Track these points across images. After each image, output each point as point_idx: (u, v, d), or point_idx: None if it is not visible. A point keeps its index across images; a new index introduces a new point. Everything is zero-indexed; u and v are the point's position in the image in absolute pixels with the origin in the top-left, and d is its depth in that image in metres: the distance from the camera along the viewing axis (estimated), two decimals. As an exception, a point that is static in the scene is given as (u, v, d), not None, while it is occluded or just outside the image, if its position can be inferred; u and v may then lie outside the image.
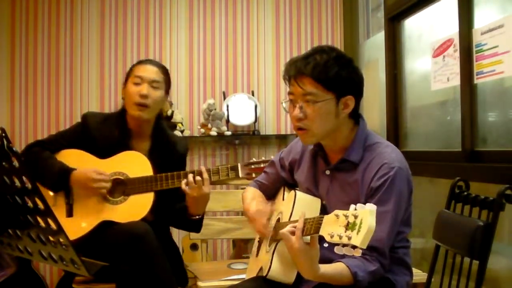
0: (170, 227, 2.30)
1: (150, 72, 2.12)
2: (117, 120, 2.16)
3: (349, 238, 1.22)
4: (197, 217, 2.12)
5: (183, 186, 2.01)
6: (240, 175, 2.10)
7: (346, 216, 1.25)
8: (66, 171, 2.04)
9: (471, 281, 1.64)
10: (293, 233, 1.38)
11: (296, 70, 1.54)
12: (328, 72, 1.51)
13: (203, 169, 2.03)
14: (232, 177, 2.11)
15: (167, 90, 2.19)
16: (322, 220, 1.33)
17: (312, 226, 1.36)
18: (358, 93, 1.58)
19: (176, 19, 3.97)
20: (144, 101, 2.07)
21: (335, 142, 1.61)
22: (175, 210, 2.15)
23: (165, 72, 2.18)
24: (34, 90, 3.80)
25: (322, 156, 1.67)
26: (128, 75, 2.15)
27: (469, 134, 2.41)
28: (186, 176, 2.02)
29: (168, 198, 2.12)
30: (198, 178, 2.00)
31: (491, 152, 2.30)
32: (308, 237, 1.38)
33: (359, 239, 1.20)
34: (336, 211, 1.29)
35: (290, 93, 1.59)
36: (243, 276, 1.97)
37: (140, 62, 2.18)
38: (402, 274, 1.62)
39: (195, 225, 2.19)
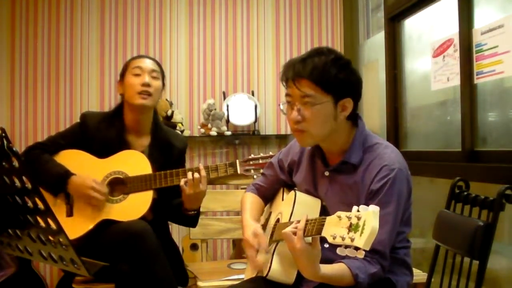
0: (170, 227, 2.30)
1: (148, 63, 2.17)
2: (114, 117, 2.18)
3: (352, 240, 1.21)
4: (192, 212, 2.13)
5: (182, 183, 2.02)
6: (239, 171, 2.13)
7: (349, 218, 1.24)
8: (64, 175, 2.04)
9: (471, 281, 1.64)
10: (295, 233, 1.37)
11: (294, 72, 1.52)
12: (327, 75, 1.49)
13: (201, 166, 2.05)
14: (230, 173, 2.14)
15: (163, 83, 2.24)
16: (324, 221, 1.32)
17: (314, 227, 1.35)
18: (356, 95, 1.56)
19: (176, 19, 3.97)
20: (147, 89, 2.10)
21: (333, 144, 1.60)
22: (172, 205, 2.16)
23: (159, 65, 2.24)
24: (34, 90, 3.80)
25: (321, 157, 1.66)
26: (125, 70, 2.18)
27: (469, 134, 2.41)
28: (184, 174, 2.04)
29: (166, 195, 2.13)
30: (196, 175, 2.02)
31: (491, 152, 2.30)
32: (310, 238, 1.37)
33: (363, 240, 1.19)
34: (339, 213, 1.28)
35: (287, 95, 1.57)
36: (243, 276, 1.97)
37: (135, 57, 2.22)
38: (402, 274, 1.62)
39: (191, 220, 2.21)
